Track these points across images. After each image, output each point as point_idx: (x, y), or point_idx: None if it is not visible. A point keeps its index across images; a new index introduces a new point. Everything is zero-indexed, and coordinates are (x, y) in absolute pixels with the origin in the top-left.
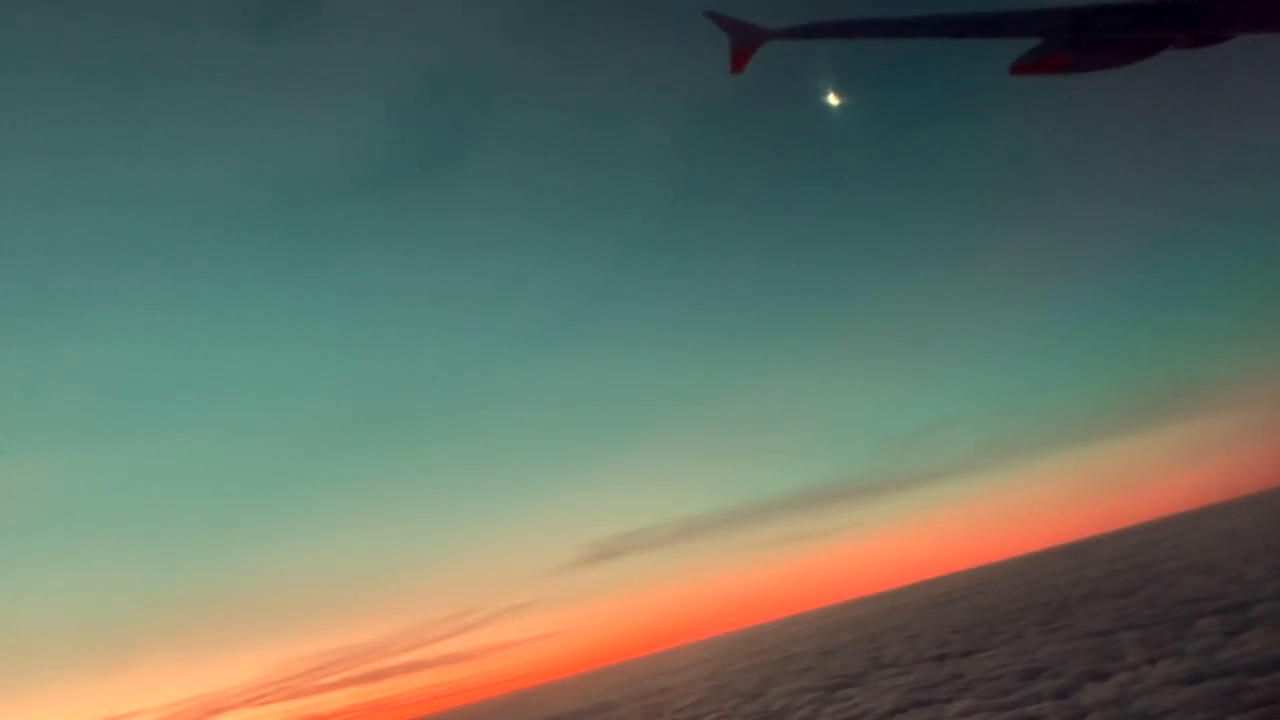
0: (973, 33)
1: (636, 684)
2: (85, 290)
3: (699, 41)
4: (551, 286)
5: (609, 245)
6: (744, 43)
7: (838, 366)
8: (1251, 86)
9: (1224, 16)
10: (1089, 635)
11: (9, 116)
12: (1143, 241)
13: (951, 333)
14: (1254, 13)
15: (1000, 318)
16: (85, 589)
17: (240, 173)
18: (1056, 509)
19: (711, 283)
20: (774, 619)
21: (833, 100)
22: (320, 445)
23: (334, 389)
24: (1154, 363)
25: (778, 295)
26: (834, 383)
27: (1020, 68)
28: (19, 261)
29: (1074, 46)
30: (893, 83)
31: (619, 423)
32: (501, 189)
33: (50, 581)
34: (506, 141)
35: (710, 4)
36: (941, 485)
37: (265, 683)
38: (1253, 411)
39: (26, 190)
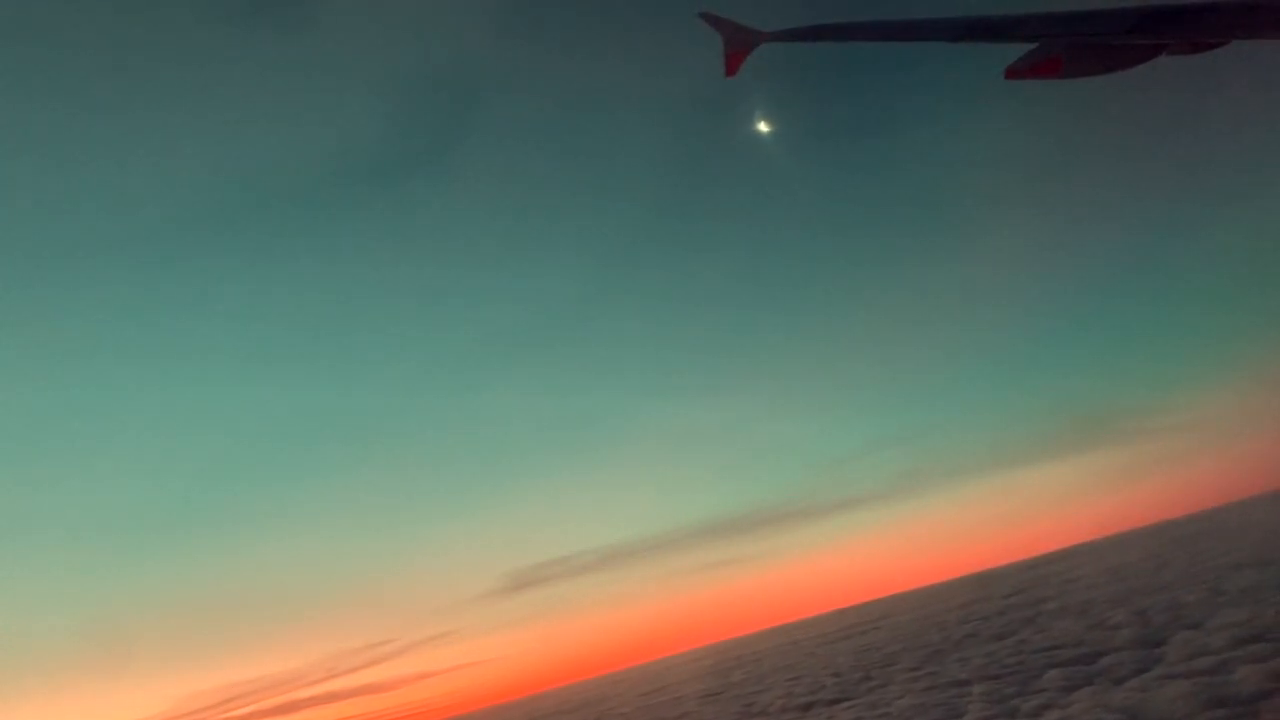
0: (967, 36)
1: None
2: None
3: (695, 43)
4: (473, 318)
5: (542, 279)
6: (738, 45)
7: (760, 394)
8: (1248, 93)
9: (1219, 23)
10: (947, 686)
11: None
12: (1056, 283)
13: (873, 362)
14: (1248, 19)
15: (920, 348)
16: None
17: (224, 167)
18: (973, 536)
19: (635, 312)
20: (693, 647)
21: (763, 127)
22: (228, 468)
23: (247, 411)
24: (1069, 394)
25: (701, 324)
26: (756, 410)
27: (1015, 72)
28: (9, 259)
29: (1069, 51)
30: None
31: (540, 450)
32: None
33: None
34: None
35: (706, 6)
36: (862, 512)
37: (171, 715)
38: (1161, 442)
39: (14, 185)
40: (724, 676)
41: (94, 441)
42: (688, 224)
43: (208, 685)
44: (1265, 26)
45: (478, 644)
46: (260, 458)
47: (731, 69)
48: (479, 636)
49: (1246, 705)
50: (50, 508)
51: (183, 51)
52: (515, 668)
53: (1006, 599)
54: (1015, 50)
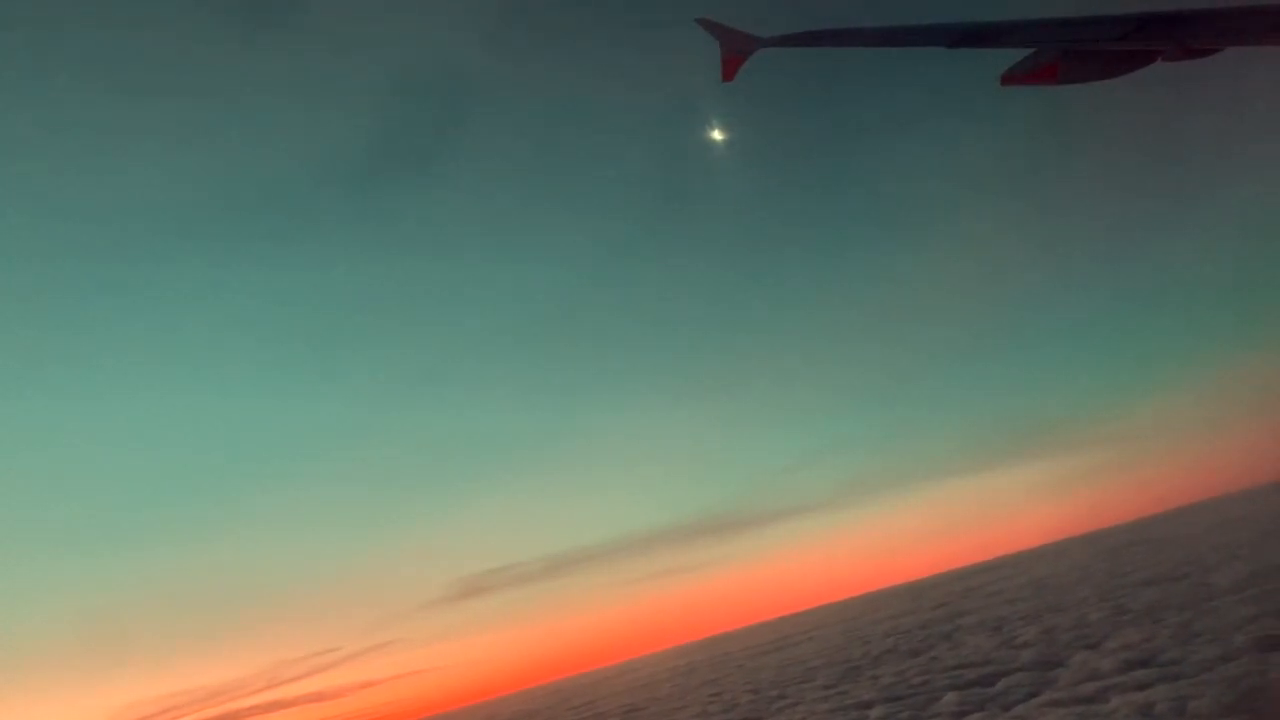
0: (963, 43)
1: None
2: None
3: (692, 47)
4: (425, 331)
5: (492, 294)
6: (736, 50)
7: (706, 404)
8: (1242, 99)
9: (1213, 29)
10: (850, 708)
11: None
12: (1003, 292)
13: (818, 373)
14: (1242, 25)
15: (865, 360)
16: None
17: (209, 172)
18: (917, 544)
19: (581, 320)
20: (637, 656)
21: (717, 136)
22: (165, 478)
23: (186, 421)
24: (1011, 404)
25: (648, 336)
26: (702, 420)
27: (1011, 78)
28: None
29: (1064, 57)
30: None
31: (487, 460)
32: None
33: None
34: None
35: (702, 11)
36: (806, 520)
37: None
38: (1102, 451)
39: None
40: (652, 690)
41: (27, 451)
42: (643, 239)
43: (146, 695)
44: (1259, 33)
45: (424, 652)
46: (201, 467)
47: (729, 74)
48: (425, 644)
49: None
50: None
51: (176, 57)
52: (462, 676)
53: (933, 611)
54: (1011, 56)
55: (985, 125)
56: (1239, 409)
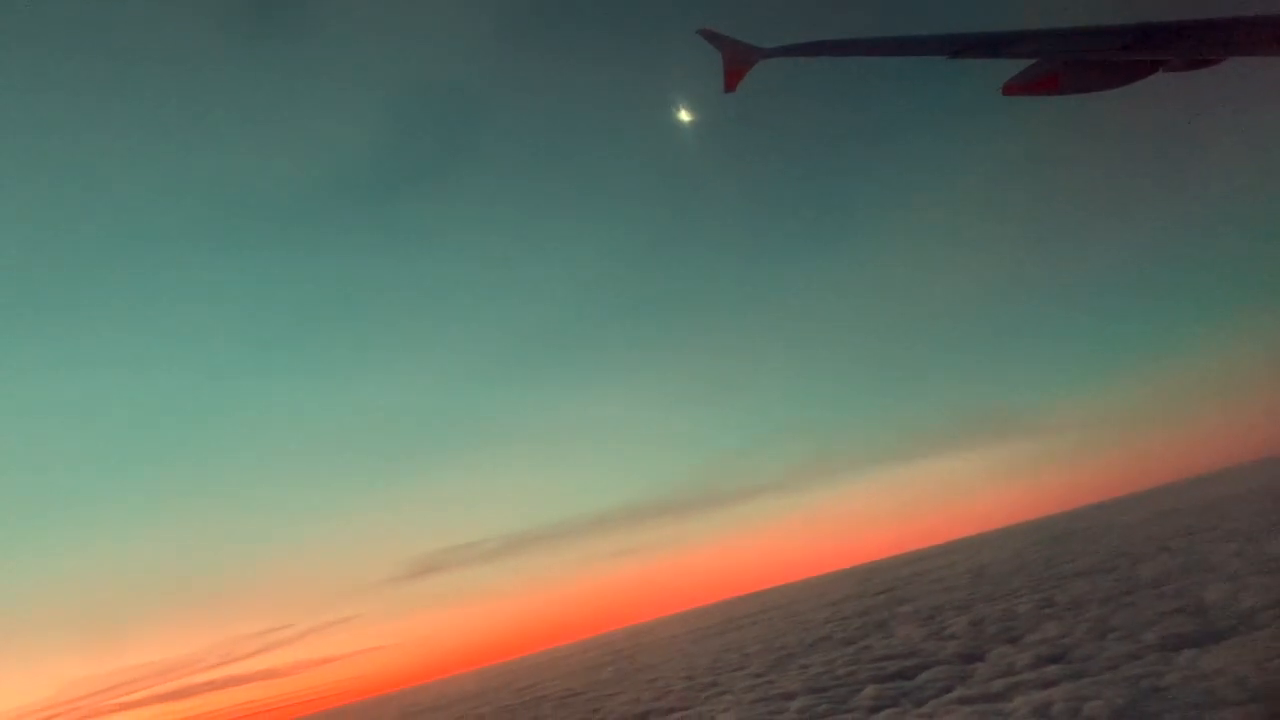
0: (966, 52)
1: None
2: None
3: (693, 59)
4: (373, 305)
5: (447, 270)
6: (738, 61)
7: (663, 386)
8: (1243, 110)
9: (1215, 39)
10: (774, 699)
11: None
12: (964, 286)
13: (777, 355)
14: (1244, 36)
15: (825, 342)
16: None
17: (225, 177)
18: (872, 526)
19: (541, 304)
20: (593, 635)
21: (685, 117)
22: (119, 446)
23: (143, 394)
24: (967, 390)
25: (604, 315)
26: (659, 402)
27: (1013, 88)
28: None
29: (1066, 67)
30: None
31: (443, 439)
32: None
33: None
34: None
35: (704, 22)
36: (763, 501)
37: (55, 703)
38: (1057, 437)
39: (17, 195)
40: (596, 673)
41: None
42: (610, 226)
43: (94, 671)
44: (1261, 43)
45: (378, 629)
46: (153, 444)
47: (731, 85)
48: (380, 622)
49: None
50: None
51: (187, 67)
52: (416, 654)
53: (875, 597)
54: (1013, 66)
55: (987, 133)
56: (1191, 400)
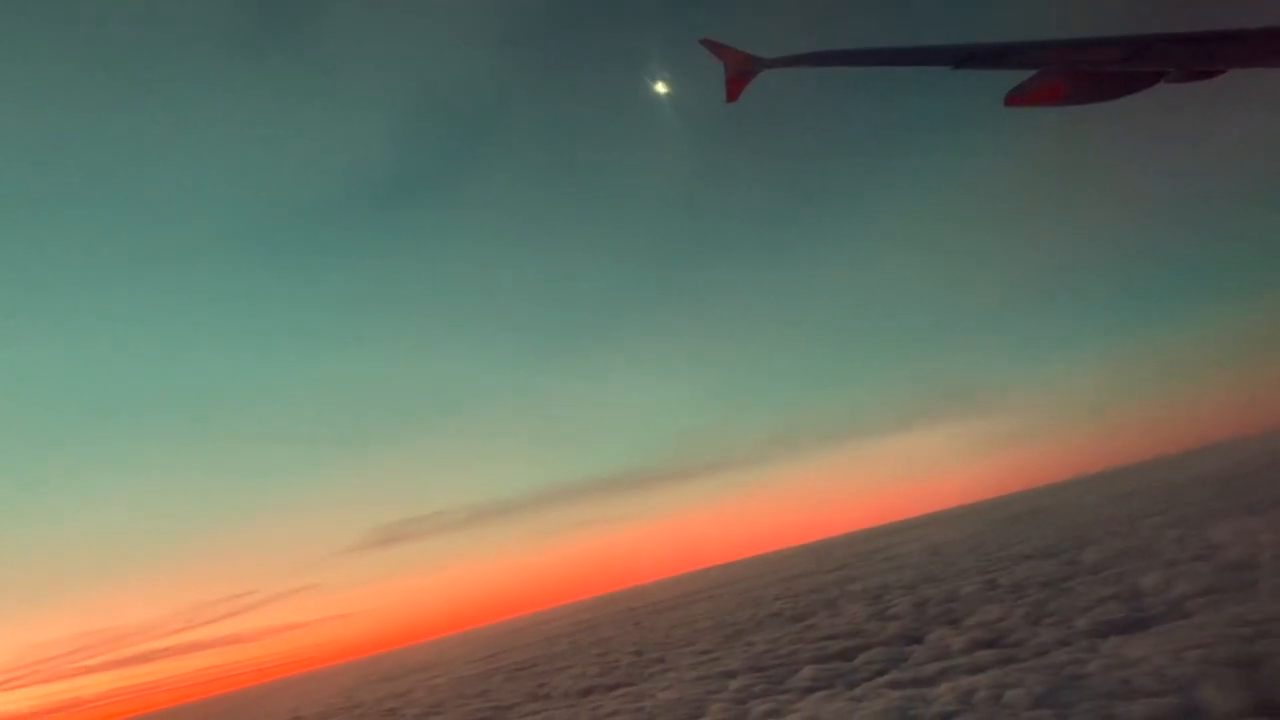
0: (968, 63)
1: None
2: None
3: (695, 68)
4: (350, 279)
5: (415, 241)
6: (740, 71)
7: (632, 361)
8: (1244, 121)
9: (1216, 51)
10: (716, 676)
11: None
12: (934, 262)
13: (742, 332)
14: (1245, 48)
15: (789, 319)
16: None
17: (229, 186)
18: (835, 501)
19: (509, 277)
20: (554, 605)
21: (661, 89)
22: (82, 412)
23: (113, 360)
24: (935, 365)
25: (574, 292)
26: (627, 376)
27: (1016, 99)
28: (22, 266)
29: (1069, 78)
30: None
31: (408, 409)
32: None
33: None
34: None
35: (707, 32)
36: (729, 475)
37: (16, 666)
38: (1023, 415)
39: (31, 203)
40: (551, 645)
41: None
42: (580, 203)
43: (54, 635)
44: (1262, 55)
45: (342, 597)
46: (119, 410)
47: (733, 94)
48: (344, 590)
49: None
50: None
51: (198, 76)
52: (380, 622)
53: (829, 573)
54: (1016, 77)
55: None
56: (1157, 381)
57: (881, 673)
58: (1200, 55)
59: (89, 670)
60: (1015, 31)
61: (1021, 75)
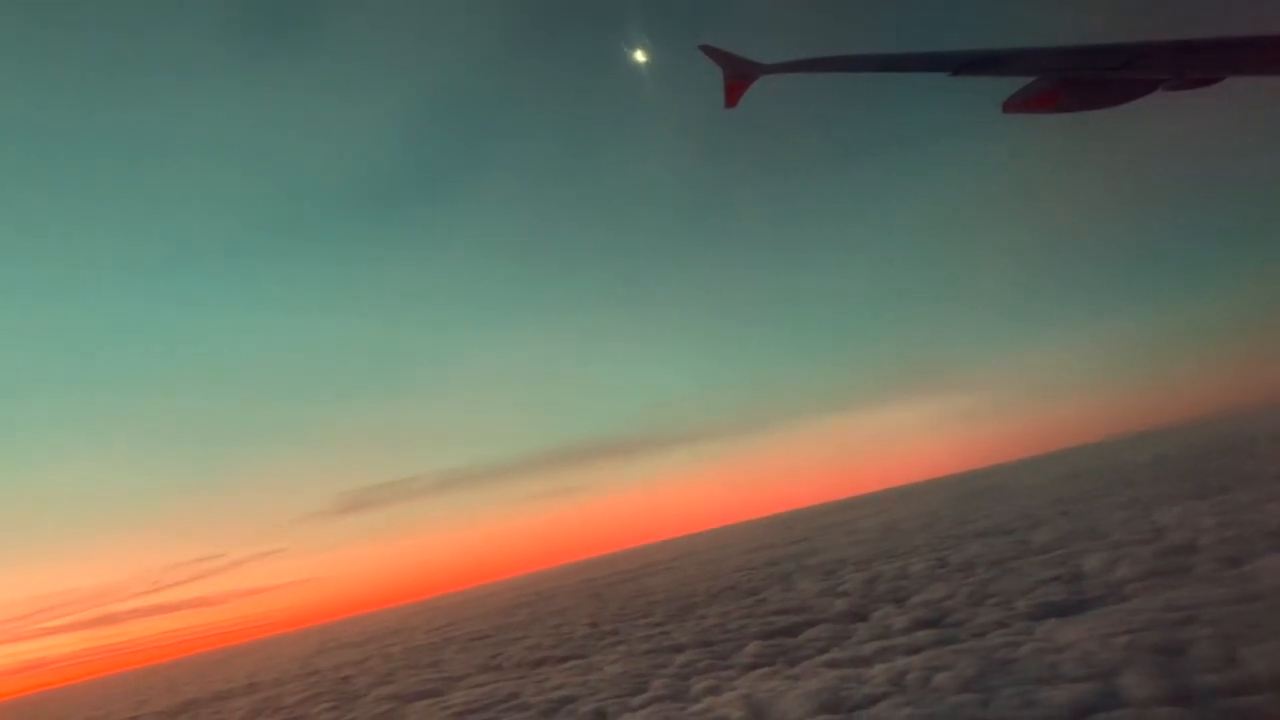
0: (966, 70)
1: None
2: None
3: (695, 74)
4: (319, 243)
5: (385, 201)
6: (739, 76)
7: (601, 330)
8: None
9: (1213, 59)
10: (664, 650)
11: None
12: (907, 240)
13: (713, 304)
14: (1242, 56)
15: (759, 290)
16: None
17: (238, 184)
18: (807, 473)
19: (480, 239)
20: (521, 573)
21: (640, 57)
22: (49, 369)
23: (78, 319)
24: (906, 341)
25: (546, 259)
26: (597, 345)
27: (1013, 105)
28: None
29: (1066, 85)
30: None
31: (378, 376)
32: None
33: None
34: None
35: (706, 38)
36: (698, 446)
37: None
38: (991, 393)
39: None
40: (510, 615)
41: None
42: (565, 171)
43: (17, 596)
44: (1259, 63)
45: (309, 562)
46: (87, 365)
47: (732, 100)
48: (312, 555)
49: (846, 713)
50: None
51: (200, 77)
52: (347, 588)
53: (790, 546)
54: (1014, 83)
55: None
56: (1126, 362)
57: (823, 650)
58: (1198, 62)
59: (53, 631)
60: (1014, 38)
61: (1019, 82)
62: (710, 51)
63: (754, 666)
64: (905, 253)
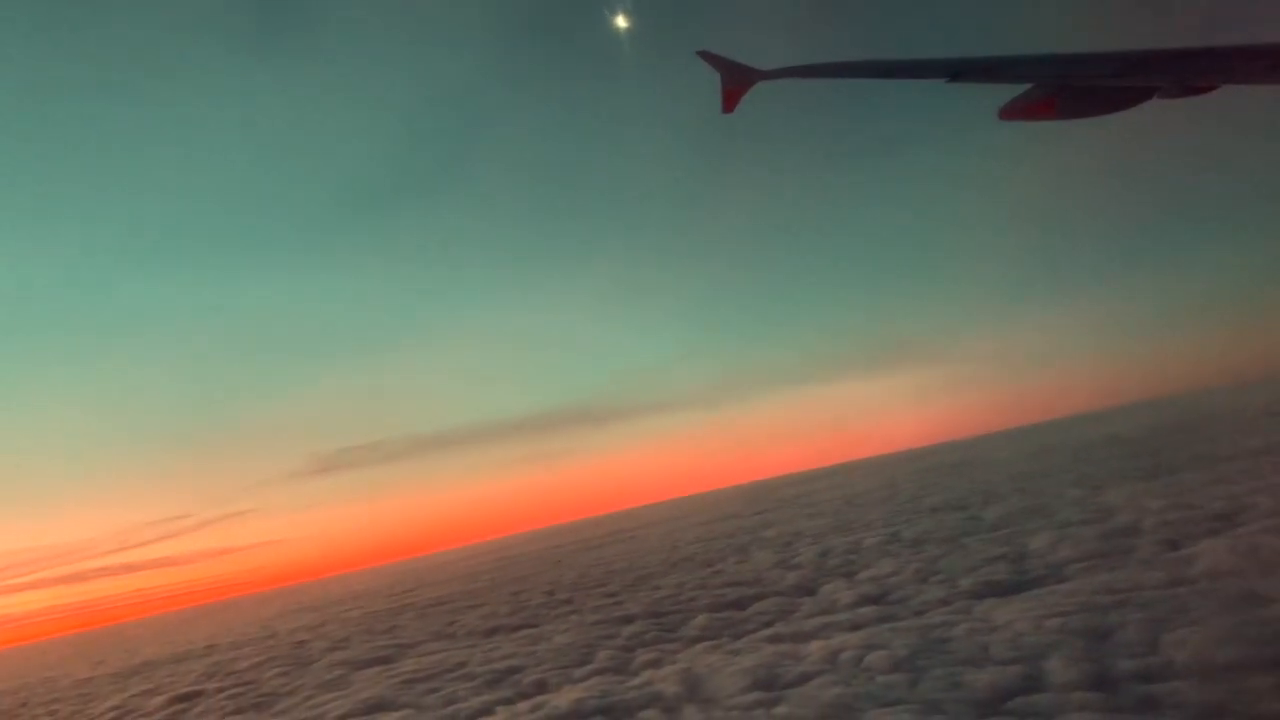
0: (962, 76)
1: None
2: None
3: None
4: (298, 208)
5: (366, 172)
6: (736, 82)
7: (580, 297)
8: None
9: (1209, 67)
10: (613, 621)
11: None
12: (884, 216)
13: (692, 274)
14: (1238, 64)
15: (739, 262)
16: None
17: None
18: (776, 443)
19: (457, 207)
20: (488, 539)
21: (622, 24)
22: (18, 324)
23: (54, 276)
24: (880, 314)
25: (523, 226)
26: (576, 312)
27: (1009, 113)
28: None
29: (1062, 93)
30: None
31: (354, 337)
32: None
33: None
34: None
35: (704, 44)
36: (673, 414)
37: None
38: (968, 366)
39: (36, 205)
40: (471, 581)
41: None
42: (541, 147)
43: None
44: (1255, 71)
45: (279, 522)
46: (60, 321)
47: (729, 106)
48: (282, 516)
49: (779, 690)
50: None
51: (197, 77)
52: (318, 549)
53: (752, 517)
54: (1009, 91)
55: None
56: (1103, 337)
57: (768, 624)
58: (1194, 70)
59: (19, 588)
60: (1010, 46)
61: (1015, 89)
62: (708, 57)
63: (699, 640)
64: (881, 231)
